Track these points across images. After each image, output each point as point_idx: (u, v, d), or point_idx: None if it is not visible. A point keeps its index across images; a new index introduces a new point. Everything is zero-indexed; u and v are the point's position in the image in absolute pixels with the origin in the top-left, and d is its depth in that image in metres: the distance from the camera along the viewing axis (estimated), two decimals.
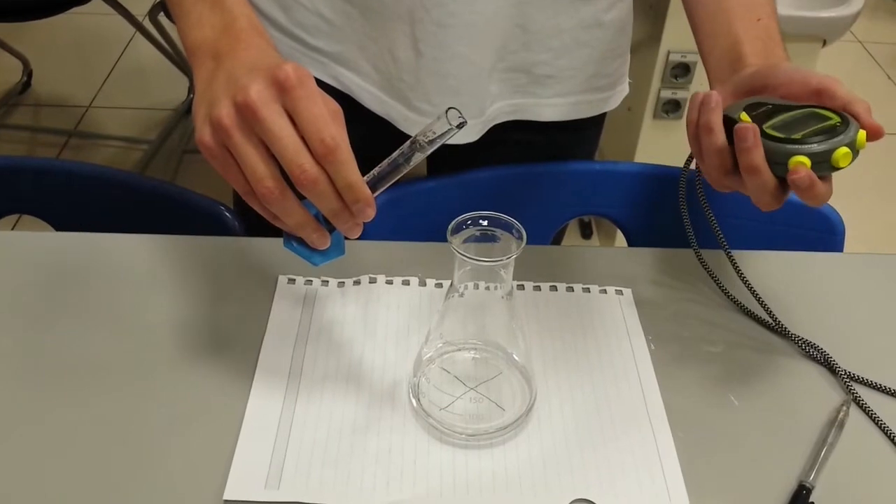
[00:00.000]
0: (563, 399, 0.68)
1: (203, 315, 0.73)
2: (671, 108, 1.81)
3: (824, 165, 0.59)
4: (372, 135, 0.84)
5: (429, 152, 0.56)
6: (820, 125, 0.60)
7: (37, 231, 0.83)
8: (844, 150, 0.58)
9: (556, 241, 1.08)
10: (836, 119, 0.60)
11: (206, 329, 0.72)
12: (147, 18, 2.29)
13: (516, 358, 0.67)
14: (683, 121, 1.90)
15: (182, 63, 2.39)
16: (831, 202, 0.61)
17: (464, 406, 0.65)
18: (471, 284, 0.63)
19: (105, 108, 2.62)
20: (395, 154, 0.57)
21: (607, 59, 0.92)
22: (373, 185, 0.57)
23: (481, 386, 0.66)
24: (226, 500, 0.59)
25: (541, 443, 0.64)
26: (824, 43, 1.73)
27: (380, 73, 0.87)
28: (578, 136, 1.00)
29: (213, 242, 0.82)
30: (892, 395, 0.70)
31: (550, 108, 0.92)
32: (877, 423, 0.67)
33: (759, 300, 0.76)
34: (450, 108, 0.54)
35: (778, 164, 0.59)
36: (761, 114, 0.62)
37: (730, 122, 0.62)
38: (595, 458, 0.63)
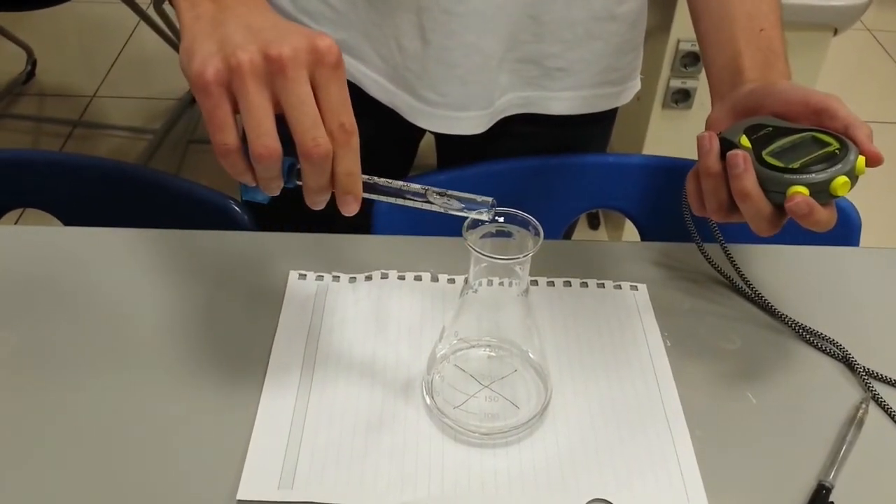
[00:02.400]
0: (579, 397, 0.67)
1: (213, 312, 0.73)
2: (681, 97, 1.79)
3: (823, 194, 0.58)
4: (378, 127, 0.83)
5: (437, 209, 0.57)
6: (819, 152, 0.59)
7: (41, 225, 0.83)
8: (843, 178, 0.58)
9: (567, 235, 1.07)
10: (835, 145, 0.59)
11: (216, 326, 0.71)
12: (151, 7, 2.28)
13: (531, 355, 0.66)
14: (693, 111, 1.89)
15: None
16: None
17: (478, 404, 0.64)
18: (485, 281, 0.62)
19: (110, 97, 2.61)
20: (412, 184, 0.57)
21: (619, 53, 0.91)
22: (367, 187, 0.57)
23: (496, 384, 0.65)
24: (239, 501, 0.58)
25: (556, 441, 0.63)
26: (835, 32, 1.71)
27: (385, 61, 0.86)
28: (588, 131, 0.99)
29: (222, 237, 0.81)
30: None
31: (561, 101, 0.91)
32: None
33: (755, 292, 0.75)
34: (493, 199, 0.56)
35: (776, 192, 0.59)
36: (761, 137, 0.61)
37: (729, 146, 0.61)
38: (612, 457, 0.62)
